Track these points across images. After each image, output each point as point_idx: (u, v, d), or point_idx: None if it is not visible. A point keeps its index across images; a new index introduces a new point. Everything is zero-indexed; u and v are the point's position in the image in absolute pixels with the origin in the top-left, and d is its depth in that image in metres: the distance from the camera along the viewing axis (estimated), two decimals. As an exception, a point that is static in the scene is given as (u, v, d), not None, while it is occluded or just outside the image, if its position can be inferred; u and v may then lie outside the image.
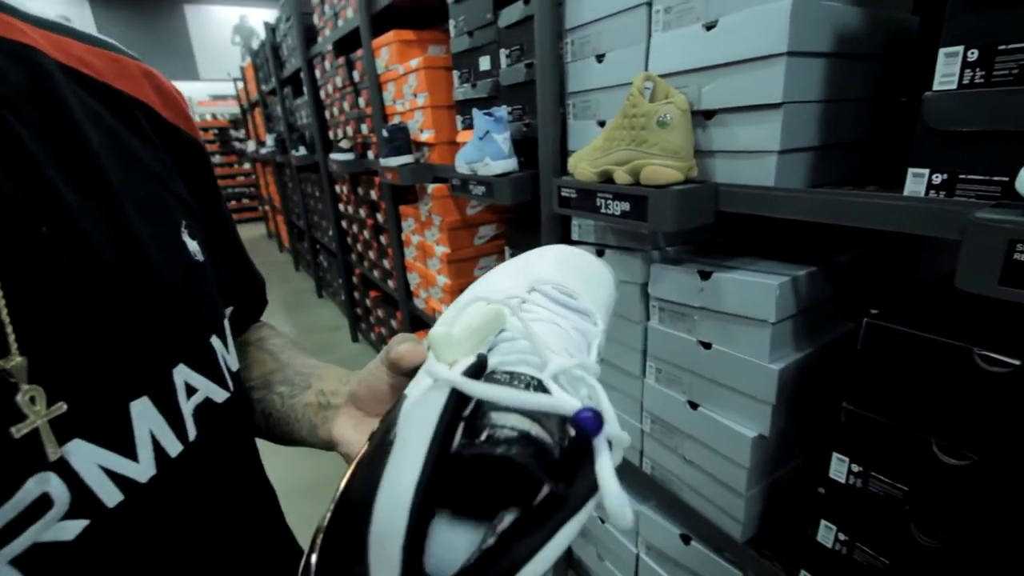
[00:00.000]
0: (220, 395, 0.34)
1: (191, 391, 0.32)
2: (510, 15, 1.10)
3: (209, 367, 0.33)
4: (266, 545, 0.39)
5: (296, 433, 0.41)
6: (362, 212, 2.59)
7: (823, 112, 0.69)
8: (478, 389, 0.20)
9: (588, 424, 0.19)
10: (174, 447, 0.30)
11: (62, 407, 0.25)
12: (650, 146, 0.73)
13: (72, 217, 0.27)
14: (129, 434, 0.27)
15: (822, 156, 0.71)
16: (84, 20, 6.98)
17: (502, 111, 1.12)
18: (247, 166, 7.81)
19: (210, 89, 7.98)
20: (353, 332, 3.25)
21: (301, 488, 2.04)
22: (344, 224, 3.01)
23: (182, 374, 0.31)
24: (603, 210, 0.82)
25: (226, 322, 0.38)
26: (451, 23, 1.35)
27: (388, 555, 0.17)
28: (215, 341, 0.35)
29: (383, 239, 2.37)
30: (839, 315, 0.88)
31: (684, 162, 0.73)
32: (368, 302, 2.87)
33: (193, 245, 0.35)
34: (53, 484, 0.24)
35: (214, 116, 8.11)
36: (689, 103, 0.73)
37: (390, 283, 2.39)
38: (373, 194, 2.35)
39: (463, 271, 1.77)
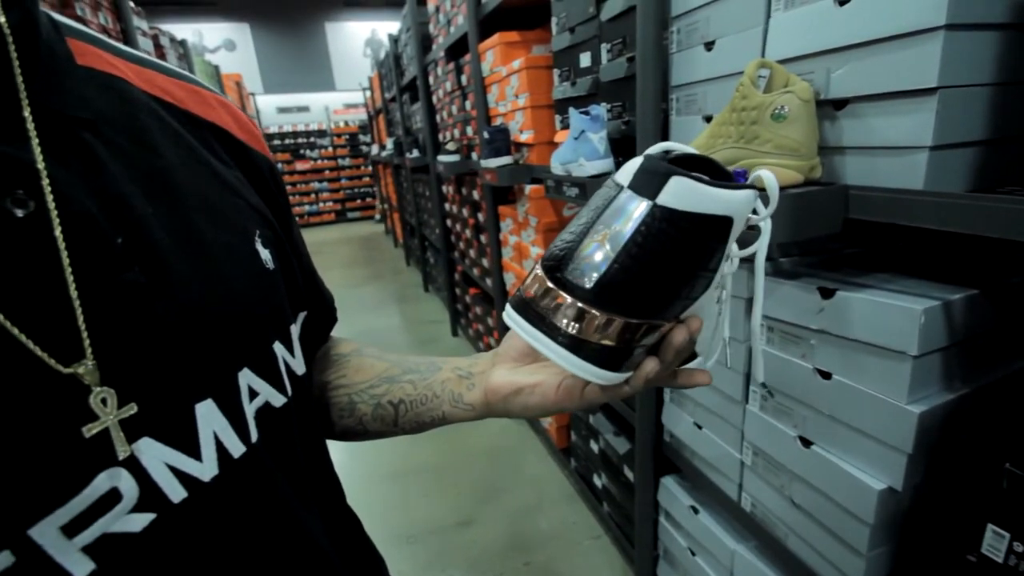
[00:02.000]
0: (278, 400, 0.35)
1: (253, 394, 0.33)
2: (613, 7, 1.04)
3: (270, 372, 0.34)
4: (331, 541, 0.40)
5: (436, 410, 0.43)
6: (465, 212, 2.66)
7: (993, 97, 0.55)
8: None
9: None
10: (237, 448, 0.31)
11: (132, 408, 0.26)
12: (762, 143, 0.64)
13: (144, 228, 0.28)
14: (194, 434, 0.29)
15: (989, 153, 0.57)
16: (245, 40, 8.04)
17: (599, 109, 1.06)
18: (371, 168, 8.46)
19: (344, 99, 8.77)
20: (453, 327, 3.37)
21: (384, 473, 2.16)
22: (449, 223, 3.12)
23: (246, 378, 0.32)
24: (703, 215, 0.74)
25: (293, 328, 0.39)
26: (553, 20, 1.32)
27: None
28: (278, 347, 0.36)
29: (483, 238, 2.42)
30: (1008, 351, 0.70)
31: (805, 161, 0.63)
32: (468, 299, 2.95)
33: (265, 254, 0.36)
34: (123, 479, 0.26)
35: (346, 123, 8.91)
36: (814, 91, 0.63)
37: (488, 281, 2.42)
38: (475, 194, 2.40)
39: (558, 274, 1.73)
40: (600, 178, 1.06)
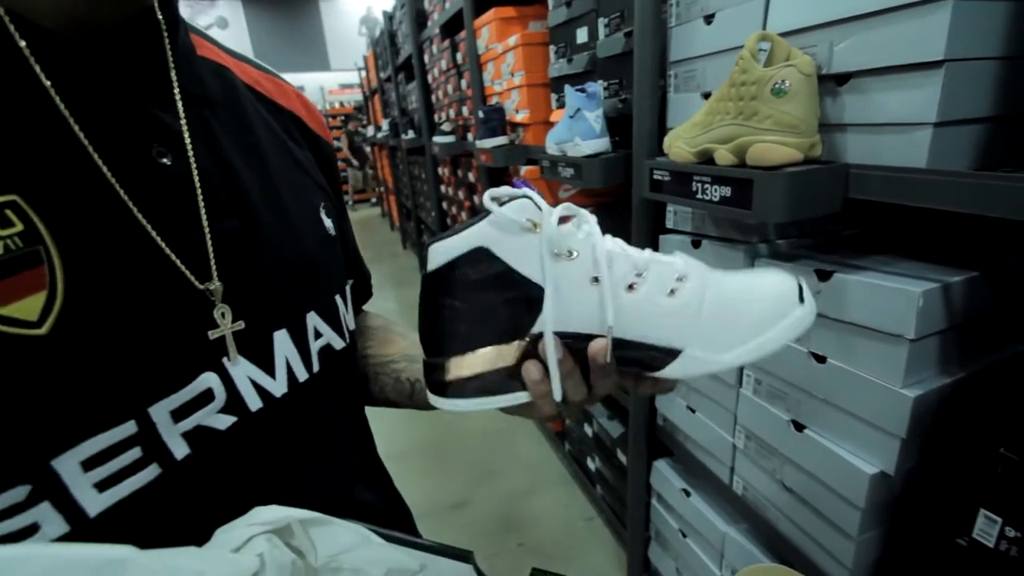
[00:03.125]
0: (338, 343, 0.41)
1: (318, 335, 0.39)
2: (611, -21, 1.01)
3: (333, 319, 0.41)
4: (363, 470, 0.46)
5: None
6: (460, 194, 2.63)
7: (1001, 72, 0.53)
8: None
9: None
10: (302, 374, 0.37)
11: (241, 324, 0.33)
12: (761, 119, 0.62)
13: (244, 188, 0.35)
14: (271, 356, 0.35)
15: (996, 130, 0.55)
16: (237, 17, 7.87)
17: (595, 86, 1.03)
18: (368, 149, 8.36)
19: (339, 79, 8.62)
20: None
21: (392, 452, 2.17)
22: (445, 205, 3.08)
23: (312, 320, 0.39)
24: (699, 195, 0.72)
25: (347, 288, 0.45)
26: (550, -6, 1.28)
27: None
28: (338, 300, 0.42)
29: (479, 221, 2.39)
30: (1005, 335, 0.69)
31: (805, 138, 0.61)
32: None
33: (328, 222, 0.43)
34: (215, 383, 0.32)
35: (341, 104, 8.78)
36: (816, 66, 0.60)
37: (484, 265, 2.40)
38: (471, 176, 2.37)
39: (554, 257, 1.71)
40: (596, 157, 1.04)
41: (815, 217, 0.62)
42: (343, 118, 8.53)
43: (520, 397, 0.36)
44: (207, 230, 0.32)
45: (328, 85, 8.65)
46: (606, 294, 0.33)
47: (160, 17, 0.33)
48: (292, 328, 0.37)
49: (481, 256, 0.34)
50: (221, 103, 0.37)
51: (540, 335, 0.34)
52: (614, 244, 0.36)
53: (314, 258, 0.40)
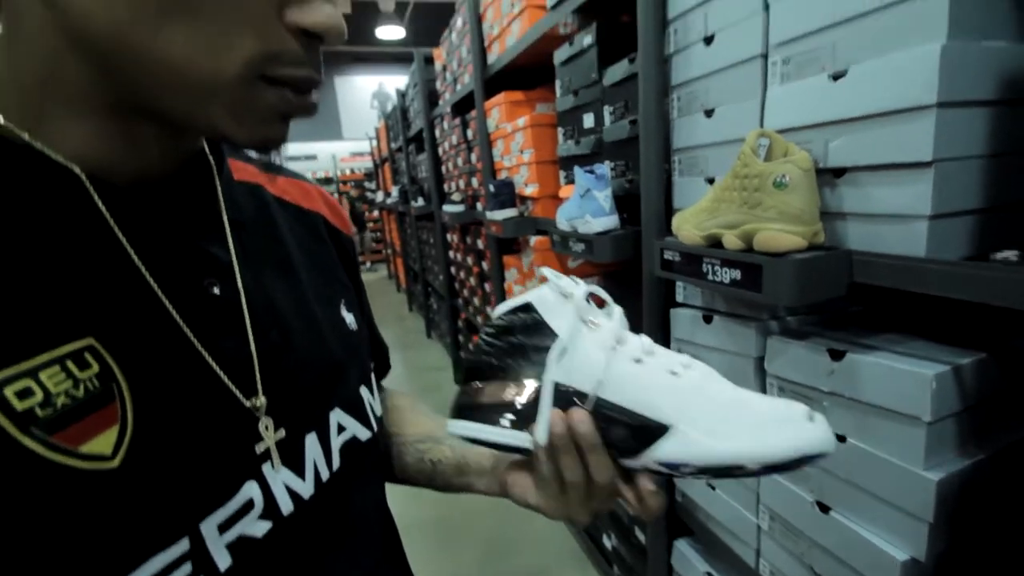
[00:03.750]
0: (364, 434, 0.43)
1: (341, 429, 0.41)
2: (614, 74, 1.09)
3: (358, 410, 0.43)
4: (387, 553, 0.47)
5: (464, 477, 0.49)
6: (469, 260, 2.69)
7: (988, 168, 0.57)
8: None
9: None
10: (324, 473, 0.38)
11: (282, 432, 0.35)
12: (765, 209, 0.66)
13: (278, 303, 0.39)
14: (302, 460, 0.37)
15: (988, 219, 0.59)
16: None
17: (603, 168, 1.10)
18: (376, 214, 8.62)
19: (351, 148, 9.05)
20: (456, 374, 3.34)
21: (401, 526, 2.08)
22: (453, 270, 3.14)
23: (336, 416, 0.40)
24: (710, 277, 0.75)
25: (373, 376, 0.47)
26: (557, 83, 1.38)
27: None
28: (363, 391, 0.44)
29: (487, 287, 2.43)
30: (1018, 414, 0.69)
31: (807, 227, 0.64)
32: (471, 346, 2.94)
33: (349, 317, 0.46)
34: (255, 491, 0.33)
35: (352, 171, 9.15)
36: (813, 160, 0.65)
37: (493, 330, 2.42)
38: (480, 243, 2.43)
39: (563, 324, 1.73)
40: (606, 235, 1.08)
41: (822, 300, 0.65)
42: (352, 184, 8.88)
43: (520, 437, 0.37)
44: (253, 348, 0.35)
45: (340, 153, 9.07)
46: (611, 358, 0.36)
47: (210, 156, 0.37)
48: (319, 430, 0.38)
49: (526, 309, 0.40)
50: (257, 222, 0.40)
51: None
52: (639, 337, 0.39)
53: (338, 358, 0.42)
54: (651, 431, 0.35)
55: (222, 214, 0.37)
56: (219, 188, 0.37)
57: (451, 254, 3.11)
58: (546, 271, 0.42)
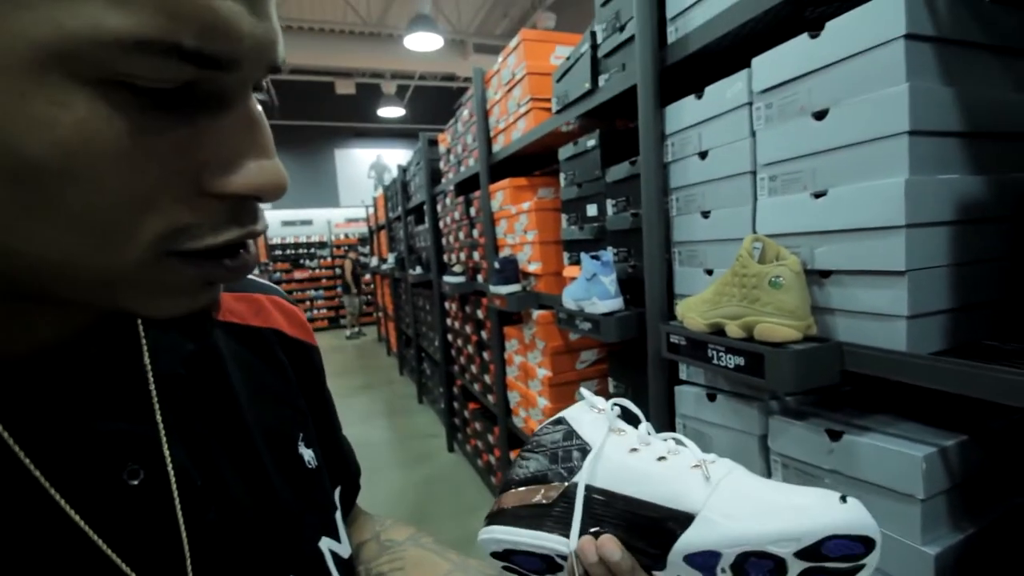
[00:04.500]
0: None
1: None
2: (617, 172, 1.22)
3: (317, 571, 0.37)
4: None
5: None
6: (467, 328, 2.75)
7: (955, 275, 0.67)
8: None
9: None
10: None
11: None
12: (763, 304, 0.75)
13: (218, 472, 0.33)
14: None
15: (958, 317, 0.68)
16: (258, 163, 8.64)
17: (608, 255, 1.20)
18: (368, 276, 8.72)
19: (346, 214, 9.30)
20: (449, 442, 3.30)
21: None
22: (450, 337, 3.19)
23: None
24: (715, 361, 0.83)
25: (338, 515, 0.42)
26: (562, 175, 1.51)
27: None
28: (324, 542, 0.39)
29: (486, 355, 2.48)
30: (1001, 489, 0.76)
31: (801, 321, 0.73)
32: (467, 414, 2.93)
33: (308, 454, 0.41)
34: None
35: (346, 236, 9.35)
36: (802, 263, 0.75)
37: (490, 398, 2.45)
38: (479, 313, 2.51)
39: (564, 395, 1.78)
40: (612, 316, 1.17)
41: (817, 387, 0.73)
42: (346, 248, 9.04)
43: (553, 540, 0.40)
44: (185, 541, 0.29)
45: (335, 219, 9.30)
46: (637, 456, 0.40)
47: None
48: None
49: (560, 422, 0.45)
50: (197, 365, 0.34)
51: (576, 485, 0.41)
52: (664, 440, 0.43)
53: (293, 512, 0.37)
54: (678, 521, 0.36)
55: (147, 373, 0.30)
56: (142, 338, 0.31)
57: (449, 321, 3.18)
58: (583, 390, 0.48)
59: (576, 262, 1.45)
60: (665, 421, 1.11)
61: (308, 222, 9.14)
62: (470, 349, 2.76)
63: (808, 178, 0.76)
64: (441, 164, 2.90)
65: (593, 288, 1.21)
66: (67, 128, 0.18)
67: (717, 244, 0.94)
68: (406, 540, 0.49)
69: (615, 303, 1.18)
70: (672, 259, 1.07)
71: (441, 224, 3.01)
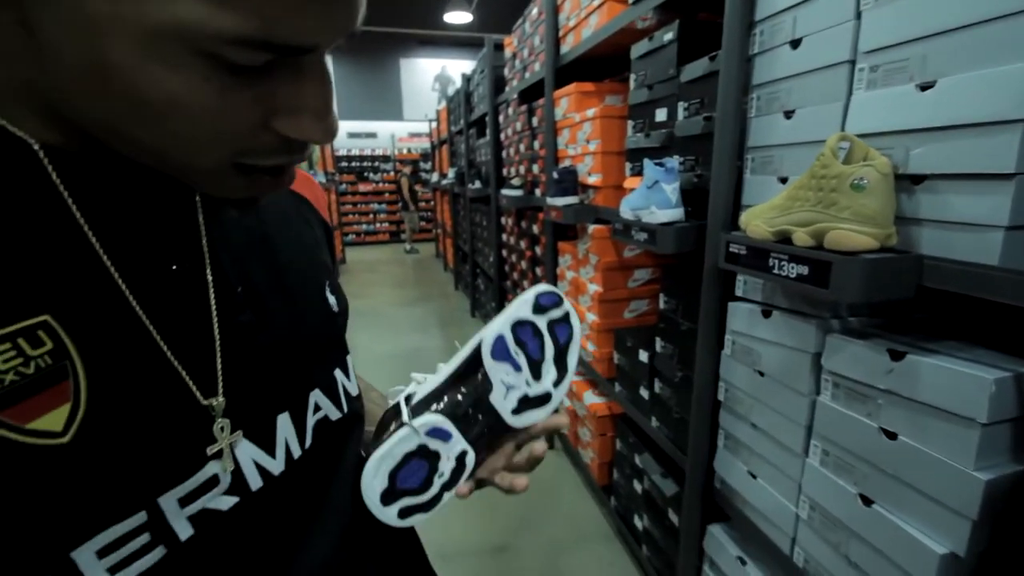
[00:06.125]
0: (335, 414, 0.43)
1: (317, 409, 0.41)
2: (694, 70, 1.12)
3: (332, 392, 0.43)
4: (358, 535, 0.46)
5: None
6: (522, 244, 2.76)
7: (1076, 184, 0.58)
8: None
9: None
10: (296, 451, 0.39)
11: (239, 434, 0.35)
12: (840, 209, 0.69)
13: (255, 281, 0.38)
14: (272, 438, 0.37)
15: (1071, 235, 0.60)
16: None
17: (673, 162, 1.13)
18: (428, 193, 8.81)
19: (409, 128, 9.25)
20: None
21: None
22: (504, 253, 3.22)
23: (315, 396, 0.41)
24: (776, 271, 0.78)
25: (349, 358, 0.47)
26: (632, 76, 1.41)
27: None
28: (338, 373, 0.44)
29: (539, 271, 2.50)
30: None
31: (881, 229, 0.67)
32: None
33: (331, 299, 0.46)
34: (220, 470, 0.33)
35: (409, 150, 9.37)
36: (893, 166, 0.68)
37: (540, 314, 2.48)
38: (535, 228, 2.49)
39: (613, 311, 1.78)
40: (670, 226, 1.12)
41: (888, 300, 0.68)
42: (408, 163, 9.10)
43: (399, 433, 0.46)
44: (217, 333, 0.34)
45: (399, 133, 9.29)
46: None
47: None
48: (294, 409, 0.38)
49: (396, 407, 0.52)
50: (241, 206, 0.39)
51: None
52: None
53: (318, 338, 0.42)
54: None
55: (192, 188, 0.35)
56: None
57: (504, 237, 3.19)
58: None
59: (638, 173, 1.38)
60: (714, 337, 1.09)
61: (372, 135, 9.17)
62: (523, 264, 2.78)
63: (916, 67, 0.66)
64: (505, 71, 2.78)
65: (653, 196, 1.15)
66: (173, 83, 0.24)
67: (797, 148, 0.86)
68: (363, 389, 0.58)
69: (675, 213, 1.13)
70: (743, 166, 0.99)
71: (502, 136, 2.94)
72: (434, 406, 0.47)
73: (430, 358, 3.56)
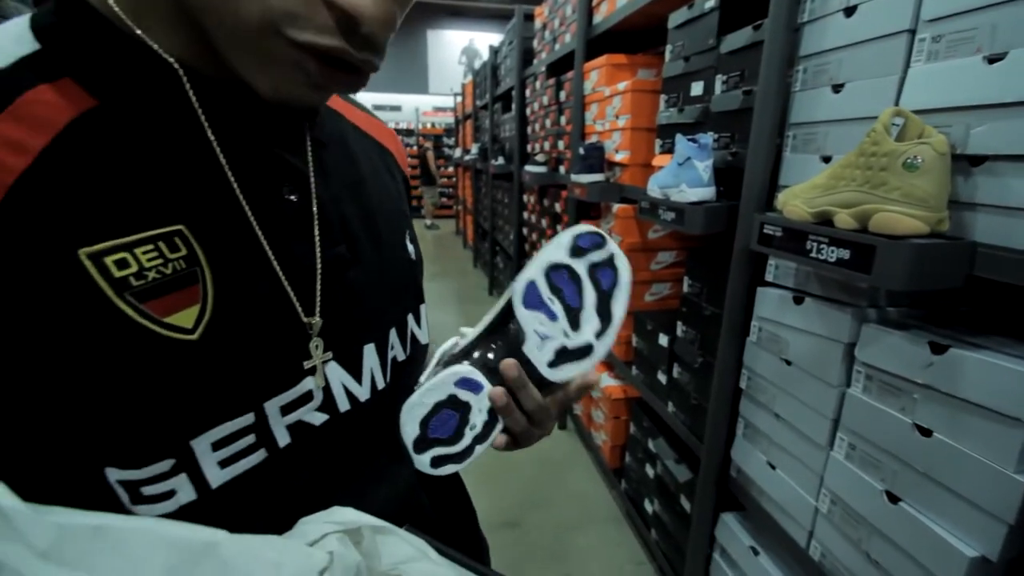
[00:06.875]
0: (401, 356, 0.45)
1: (392, 347, 0.44)
2: (735, 40, 1.06)
3: (403, 335, 0.45)
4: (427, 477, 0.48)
5: None
6: (544, 222, 2.72)
7: None
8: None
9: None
10: (380, 383, 0.42)
11: (330, 355, 0.38)
12: (889, 190, 0.64)
13: (348, 219, 0.40)
14: (359, 366, 0.40)
15: None
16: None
17: (707, 138, 1.08)
18: (451, 169, 8.75)
19: (435, 102, 9.16)
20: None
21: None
22: (525, 231, 3.18)
23: (392, 336, 0.43)
24: (813, 254, 0.74)
25: (423, 307, 0.50)
26: (667, 47, 1.35)
27: None
28: (410, 318, 0.47)
29: (559, 251, 2.46)
30: None
31: (933, 212, 0.62)
32: None
33: (411, 248, 0.48)
34: (314, 386, 0.37)
35: (433, 125, 9.29)
36: (950, 145, 0.63)
37: (558, 294, 2.46)
38: (557, 207, 2.45)
39: (634, 293, 1.73)
40: (700, 205, 1.08)
41: (932, 290, 0.64)
42: (433, 138, 9.02)
43: (449, 371, 0.45)
44: (319, 258, 0.37)
45: (423, 107, 9.20)
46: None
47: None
48: (378, 342, 0.41)
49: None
50: (335, 143, 0.42)
51: None
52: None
53: (400, 280, 0.45)
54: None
55: (304, 128, 0.39)
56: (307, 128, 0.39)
57: (525, 215, 3.15)
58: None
59: (669, 151, 1.33)
60: (740, 322, 1.06)
61: (397, 108, 9.10)
62: (544, 243, 2.74)
63: (984, 37, 0.61)
64: (535, 43, 2.70)
65: (684, 174, 1.11)
66: None
67: (844, 125, 0.81)
68: None
69: (706, 192, 1.09)
70: (783, 144, 0.94)
71: (528, 111, 2.88)
72: (468, 358, 0.45)
73: (446, 334, 3.56)
